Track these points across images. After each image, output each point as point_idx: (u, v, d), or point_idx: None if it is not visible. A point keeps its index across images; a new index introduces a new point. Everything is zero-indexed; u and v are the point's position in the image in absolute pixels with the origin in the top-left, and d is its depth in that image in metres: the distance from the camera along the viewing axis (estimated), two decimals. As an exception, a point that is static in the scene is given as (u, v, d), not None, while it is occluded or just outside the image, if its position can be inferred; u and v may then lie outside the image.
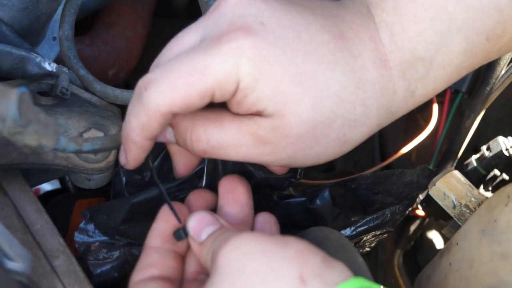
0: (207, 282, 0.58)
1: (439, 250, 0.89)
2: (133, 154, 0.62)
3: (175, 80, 0.59)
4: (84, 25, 0.90)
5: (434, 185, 0.80)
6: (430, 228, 1.13)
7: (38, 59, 0.65)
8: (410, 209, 0.78)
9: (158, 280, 0.63)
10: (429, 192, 0.80)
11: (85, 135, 0.69)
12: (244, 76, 0.59)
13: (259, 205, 0.69)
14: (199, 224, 0.63)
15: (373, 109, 0.62)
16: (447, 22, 0.62)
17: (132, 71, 0.91)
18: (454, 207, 0.79)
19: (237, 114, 0.62)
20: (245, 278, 0.56)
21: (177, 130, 0.63)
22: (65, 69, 0.67)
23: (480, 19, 0.62)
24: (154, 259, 0.64)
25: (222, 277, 0.57)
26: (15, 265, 0.55)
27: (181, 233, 0.64)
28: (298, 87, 0.59)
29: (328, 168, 1.16)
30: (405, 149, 0.97)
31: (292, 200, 0.74)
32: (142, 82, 0.59)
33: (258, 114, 0.61)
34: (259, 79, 0.59)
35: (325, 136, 0.61)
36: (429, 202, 0.92)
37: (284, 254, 0.56)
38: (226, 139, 0.61)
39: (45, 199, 0.71)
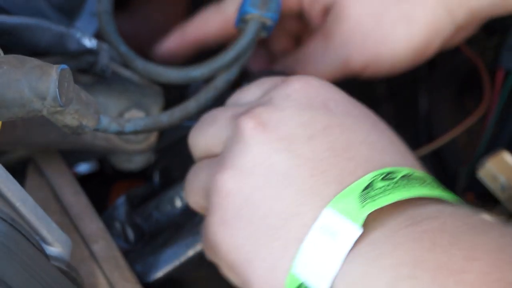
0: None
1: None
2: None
3: None
4: (122, 1, 0.87)
5: (484, 166, 0.77)
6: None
7: (78, 35, 0.62)
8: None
9: None
10: (478, 173, 0.77)
11: (126, 115, 0.66)
12: None
13: None
14: None
15: None
16: None
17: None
18: (504, 189, 0.75)
19: None
20: None
21: None
22: (105, 46, 0.64)
23: None
24: None
25: None
26: (54, 250, 0.53)
27: None
28: None
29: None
30: (452, 134, 0.93)
31: None
32: None
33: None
34: None
35: (384, 15, 0.62)
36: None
37: None
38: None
39: (83, 182, 0.68)
